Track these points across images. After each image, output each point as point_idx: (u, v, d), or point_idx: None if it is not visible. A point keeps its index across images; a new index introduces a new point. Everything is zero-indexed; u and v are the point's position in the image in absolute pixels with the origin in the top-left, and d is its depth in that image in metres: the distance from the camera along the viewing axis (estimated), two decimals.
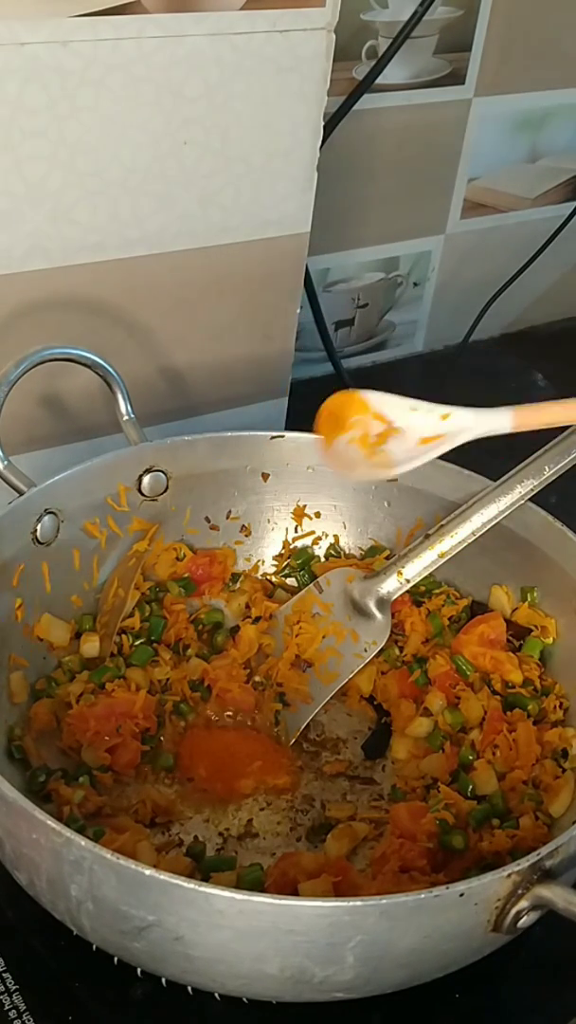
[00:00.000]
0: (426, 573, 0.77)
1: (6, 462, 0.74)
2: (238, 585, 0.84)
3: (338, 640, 0.79)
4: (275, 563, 0.86)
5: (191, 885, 0.52)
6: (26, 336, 0.79)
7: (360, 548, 0.86)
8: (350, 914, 0.53)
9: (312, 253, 0.94)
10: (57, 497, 0.75)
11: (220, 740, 0.75)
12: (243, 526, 0.85)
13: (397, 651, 0.79)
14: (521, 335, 1.32)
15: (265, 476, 0.84)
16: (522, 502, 0.75)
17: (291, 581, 0.85)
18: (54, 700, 0.73)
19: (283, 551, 0.86)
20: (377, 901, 0.53)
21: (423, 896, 0.53)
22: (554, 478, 0.74)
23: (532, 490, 0.75)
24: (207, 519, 0.84)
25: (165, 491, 0.81)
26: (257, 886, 0.63)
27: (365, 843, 0.69)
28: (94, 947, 0.60)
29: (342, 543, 0.86)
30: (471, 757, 0.72)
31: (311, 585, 0.82)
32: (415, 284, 1.21)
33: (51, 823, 0.54)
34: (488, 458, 0.83)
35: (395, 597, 0.78)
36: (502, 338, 1.31)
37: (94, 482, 0.78)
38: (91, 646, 0.76)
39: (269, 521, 0.86)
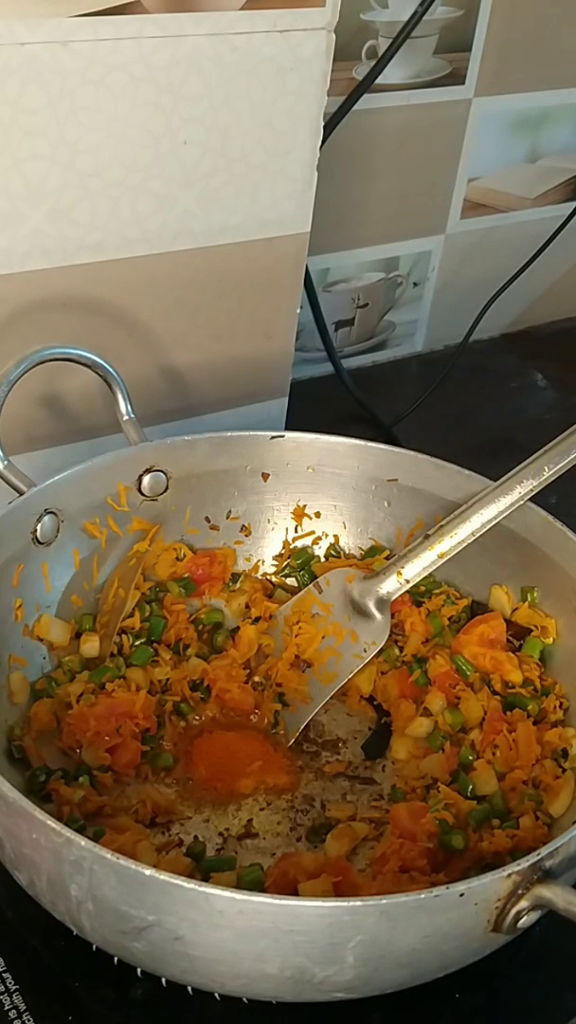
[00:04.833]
0: (426, 573, 0.77)
1: (6, 462, 0.74)
2: (238, 585, 0.84)
3: (338, 640, 0.79)
4: (275, 563, 0.86)
5: (191, 885, 0.52)
6: (26, 336, 0.79)
7: (360, 548, 0.86)
8: (350, 914, 0.53)
9: (312, 253, 0.94)
10: (57, 497, 0.75)
11: (220, 740, 0.75)
12: (243, 526, 0.85)
13: (397, 651, 0.79)
14: (521, 335, 1.32)
15: (265, 476, 0.84)
16: (522, 502, 0.75)
17: (291, 581, 0.85)
18: (54, 700, 0.73)
19: (283, 551, 0.86)
20: (377, 901, 0.53)
21: (423, 896, 0.53)
22: (554, 478, 0.74)
23: (532, 490, 0.75)
24: (207, 519, 0.84)
25: (165, 491, 0.81)
26: (257, 886, 0.63)
27: (365, 843, 0.69)
28: (94, 947, 0.60)
29: (342, 543, 0.86)
30: (471, 757, 0.72)
31: (311, 585, 0.82)
32: (415, 284, 1.21)
33: (51, 823, 0.54)
34: (488, 458, 0.83)
35: (395, 597, 0.78)
36: (502, 338, 1.31)
37: (94, 482, 0.78)
38: (91, 646, 0.76)
39: (269, 521, 0.86)
